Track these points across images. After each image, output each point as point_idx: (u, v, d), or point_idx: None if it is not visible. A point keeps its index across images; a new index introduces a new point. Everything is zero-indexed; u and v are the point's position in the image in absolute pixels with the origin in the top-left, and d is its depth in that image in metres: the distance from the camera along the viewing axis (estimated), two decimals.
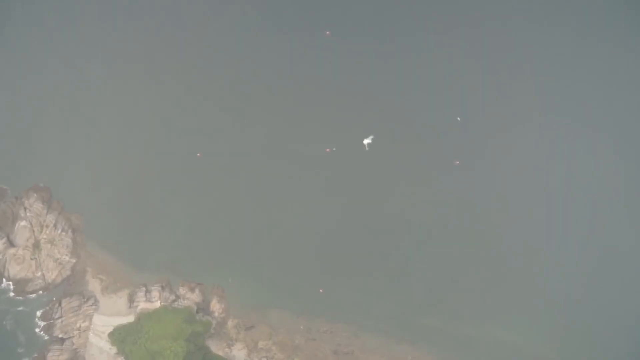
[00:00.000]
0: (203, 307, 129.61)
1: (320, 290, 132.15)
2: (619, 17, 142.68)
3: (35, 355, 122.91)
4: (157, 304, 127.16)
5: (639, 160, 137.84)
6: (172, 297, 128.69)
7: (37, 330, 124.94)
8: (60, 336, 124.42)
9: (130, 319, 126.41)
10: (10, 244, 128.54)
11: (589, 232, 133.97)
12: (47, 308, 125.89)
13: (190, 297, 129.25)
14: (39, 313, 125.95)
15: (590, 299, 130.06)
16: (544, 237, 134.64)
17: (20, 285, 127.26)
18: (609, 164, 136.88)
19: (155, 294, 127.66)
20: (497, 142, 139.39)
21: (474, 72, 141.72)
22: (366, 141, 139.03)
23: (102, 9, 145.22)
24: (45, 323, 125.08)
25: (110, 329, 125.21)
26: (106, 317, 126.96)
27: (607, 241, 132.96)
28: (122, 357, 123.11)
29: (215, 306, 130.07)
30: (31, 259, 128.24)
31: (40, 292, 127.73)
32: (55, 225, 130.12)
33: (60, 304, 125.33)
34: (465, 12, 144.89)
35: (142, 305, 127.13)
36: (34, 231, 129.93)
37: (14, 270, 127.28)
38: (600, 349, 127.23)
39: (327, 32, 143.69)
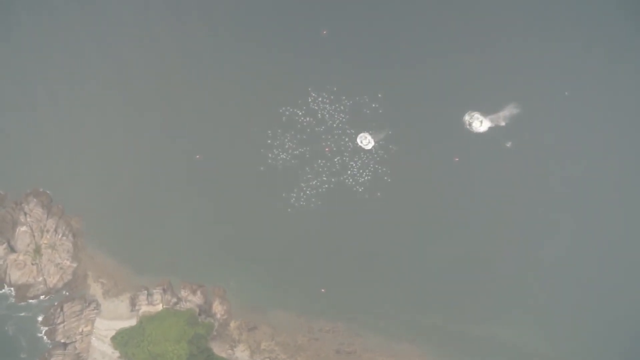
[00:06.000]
0: (205, 309, 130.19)
1: (322, 290, 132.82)
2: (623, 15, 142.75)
3: None
4: (159, 307, 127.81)
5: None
6: (174, 299, 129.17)
7: (39, 335, 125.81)
8: (62, 341, 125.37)
9: (133, 322, 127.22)
10: (11, 249, 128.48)
11: (591, 231, 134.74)
12: (49, 313, 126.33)
13: (192, 299, 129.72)
14: (40, 318, 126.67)
15: (591, 298, 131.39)
16: (544, 236, 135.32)
17: (22, 290, 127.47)
18: (612, 164, 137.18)
19: (157, 296, 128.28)
20: (499, 138, 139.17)
21: (473, 68, 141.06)
22: (361, 139, 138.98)
23: (100, 11, 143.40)
24: (47, 328, 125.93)
25: (113, 332, 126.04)
26: (108, 321, 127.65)
27: (608, 240, 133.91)
28: None
29: (217, 308, 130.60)
30: (32, 264, 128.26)
31: (42, 297, 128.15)
32: (55, 230, 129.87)
33: (62, 309, 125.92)
34: (464, 9, 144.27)
35: (144, 308, 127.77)
36: (34, 236, 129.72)
37: (15, 276, 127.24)
38: (600, 348, 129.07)
39: (324, 31, 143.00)
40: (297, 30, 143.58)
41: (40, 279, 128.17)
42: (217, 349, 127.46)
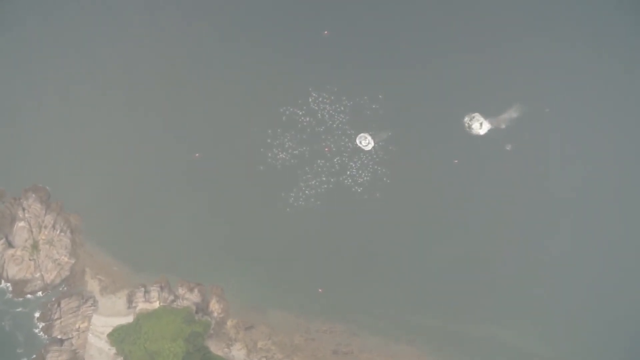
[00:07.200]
0: (202, 307, 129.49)
1: (320, 290, 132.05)
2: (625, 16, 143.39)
3: (35, 356, 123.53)
4: (156, 304, 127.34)
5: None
6: (171, 297, 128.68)
7: (36, 331, 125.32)
8: (59, 337, 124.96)
9: (129, 319, 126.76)
10: (9, 244, 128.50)
11: (590, 231, 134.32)
12: (46, 309, 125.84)
13: (189, 297, 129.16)
14: (37, 314, 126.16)
15: (591, 298, 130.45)
16: (544, 237, 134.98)
17: (19, 286, 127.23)
18: (611, 165, 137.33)
19: (154, 294, 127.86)
20: (498, 141, 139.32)
21: (474, 69, 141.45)
22: (361, 140, 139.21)
23: (102, 10, 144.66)
24: (44, 324, 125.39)
25: (110, 329, 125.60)
26: (105, 318, 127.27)
27: (608, 241, 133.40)
28: (121, 358, 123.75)
29: (215, 306, 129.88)
30: (30, 259, 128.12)
31: (39, 293, 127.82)
32: (53, 226, 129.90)
33: (59, 305, 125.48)
34: (465, 11, 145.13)
35: (141, 305, 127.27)
36: (32, 232, 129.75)
37: (12, 271, 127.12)
38: (600, 348, 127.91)
39: (325, 32, 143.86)
40: (298, 30, 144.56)
41: (38, 274, 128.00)
42: (213, 347, 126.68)
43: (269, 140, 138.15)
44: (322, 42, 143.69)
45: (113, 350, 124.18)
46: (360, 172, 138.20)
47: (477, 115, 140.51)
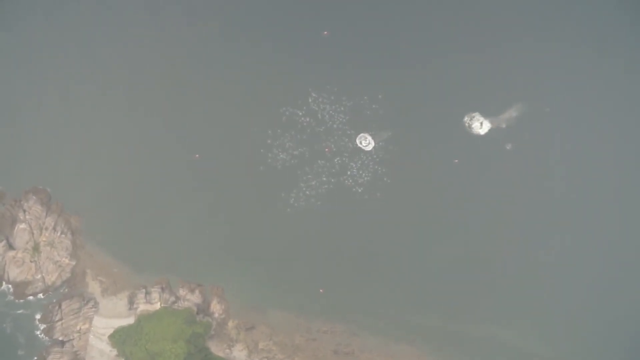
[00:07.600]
0: (203, 308, 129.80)
1: (321, 290, 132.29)
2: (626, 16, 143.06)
3: (36, 358, 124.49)
4: (157, 306, 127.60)
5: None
6: (172, 298, 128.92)
7: (37, 332, 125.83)
8: (60, 339, 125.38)
9: (131, 320, 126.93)
10: (10, 246, 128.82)
11: (590, 231, 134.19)
12: (47, 310, 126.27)
13: (190, 298, 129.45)
14: (38, 316, 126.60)
15: (591, 298, 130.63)
16: (544, 237, 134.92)
17: (20, 288, 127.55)
18: (611, 165, 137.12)
19: (155, 295, 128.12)
20: (499, 140, 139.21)
21: (474, 69, 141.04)
22: (361, 140, 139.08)
23: (103, 10, 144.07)
24: (45, 325, 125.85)
25: (111, 330, 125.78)
26: (106, 319, 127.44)
27: (608, 240, 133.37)
28: (123, 359, 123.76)
29: (216, 307, 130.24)
30: (30, 261, 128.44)
31: (40, 294, 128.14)
32: (54, 228, 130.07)
33: (60, 307, 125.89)
34: (465, 10, 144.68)
35: (142, 306, 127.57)
36: (33, 234, 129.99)
37: (13, 273, 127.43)
38: (600, 348, 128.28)
39: (325, 32, 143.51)
40: (298, 30, 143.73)
41: (39, 276, 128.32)
42: (214, 348, 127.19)
43: (269, 141, 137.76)
44: (322, 42, 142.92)
45: (114, 352, 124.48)
46: (360, 172, 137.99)
47: (477, 115, 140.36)
